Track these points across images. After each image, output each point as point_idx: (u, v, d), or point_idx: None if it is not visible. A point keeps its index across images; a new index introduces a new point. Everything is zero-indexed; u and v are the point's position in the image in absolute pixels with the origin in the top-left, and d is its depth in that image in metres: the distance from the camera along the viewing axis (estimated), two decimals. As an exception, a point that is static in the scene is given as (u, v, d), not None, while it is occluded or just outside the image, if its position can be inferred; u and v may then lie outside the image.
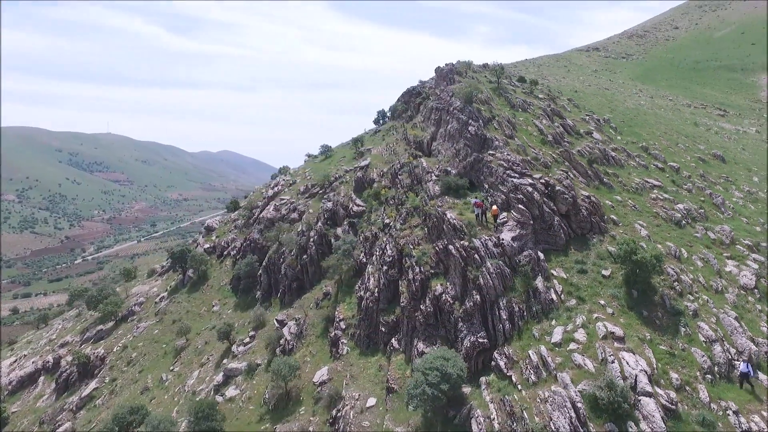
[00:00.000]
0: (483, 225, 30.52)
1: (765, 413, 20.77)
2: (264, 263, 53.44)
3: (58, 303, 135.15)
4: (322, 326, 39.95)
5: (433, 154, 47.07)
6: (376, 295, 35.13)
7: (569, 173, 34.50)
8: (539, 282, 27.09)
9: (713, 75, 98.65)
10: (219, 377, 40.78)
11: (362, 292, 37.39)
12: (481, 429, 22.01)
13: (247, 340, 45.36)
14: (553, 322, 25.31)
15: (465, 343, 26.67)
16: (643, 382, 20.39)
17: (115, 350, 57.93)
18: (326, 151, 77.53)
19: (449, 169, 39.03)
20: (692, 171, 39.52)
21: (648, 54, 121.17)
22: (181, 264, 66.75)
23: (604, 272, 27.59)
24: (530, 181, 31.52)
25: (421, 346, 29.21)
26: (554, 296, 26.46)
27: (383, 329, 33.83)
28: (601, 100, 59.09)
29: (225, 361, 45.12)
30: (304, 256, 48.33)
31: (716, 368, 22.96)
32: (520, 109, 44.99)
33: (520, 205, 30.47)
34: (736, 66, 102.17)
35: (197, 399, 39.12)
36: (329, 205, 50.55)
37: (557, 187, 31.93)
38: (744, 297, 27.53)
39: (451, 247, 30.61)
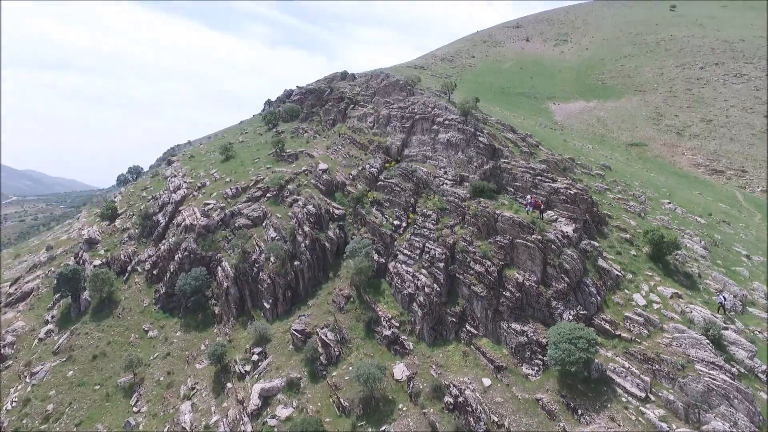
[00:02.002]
0: (542, 220, 37.17)
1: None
2: (231, 274, 48.52)
3: None
4: (362, 328, 40.36)
5: (410, 160, 51.16)
6: (438, 289, 38.14)
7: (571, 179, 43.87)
8: (602, 262, 35.32)
9: (518, 100, 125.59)
10: (255, 401, 36.99)
11: (410, 290, 39.68)
12: (623, 376, 28.84)
13: (255, 357, 41.63)
14: (626, 291, 33.86)
15: (565, 316, 32.98)
16: (728, 323, 30.45)
17: (9, 408, 43.95)
18: (226, 151, 71.84)
19: (465, 174, 44.29)
20: (612, 176, 54.05)
21: (462, 77, 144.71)
22: (71, 287, 53.77)
23: (632, 252, 37.56)
24: (564, 185, 39.58)
25: (515, 326, 34.23)
26: (616, 272, 35.04)
27: (453, 320, 37.29)
28: (498, 115, 71.91)
29: (230, 385, 40.54)
30: (296, 263, 46.42)
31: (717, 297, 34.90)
32: (481, 122, 52.78)
33: (566, 204, 38.21)
34: (529, 94, 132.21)
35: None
36: (311, 209, 49.39)
37: (571, 191, 40.80)
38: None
39: (519, 240, 36.38)
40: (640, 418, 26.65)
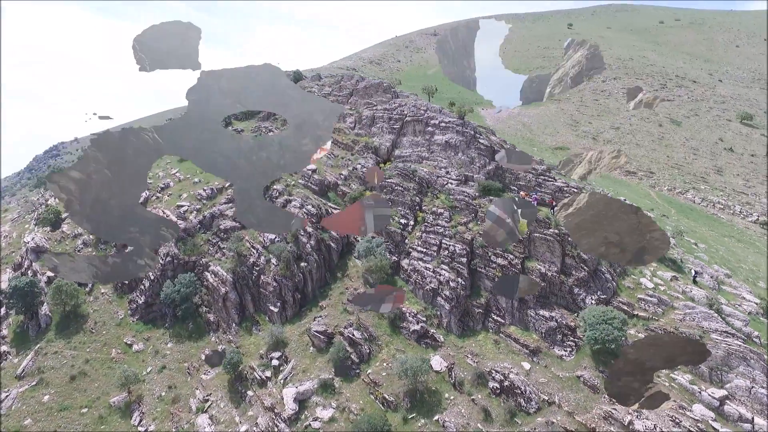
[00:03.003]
0: (554, 216, 40.82)
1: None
2: (230, 279, 46.13)
3: None
4: (387, 325, 40.92)
5: (403, 160, 52.66)
6: (462, 283, 40.09)
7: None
8: (608, 252, 39.77)
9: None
10: (291, 406, 35.94)
11: (433, 285, 41.15)
12: (649, 349, 33.14)
13: (276, 362, 40.27)
14: (633, 277, 38.58)
15: (588, 301, 36.79)
16: (719, 298, 36.14)
17: (-25, 445, 37.75)
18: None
19: (469, 174, 46.76)
20: (572, 175, 60.05)
21: (392, 79, 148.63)
22: (26, 302, 47.32)
23: (625, 242, 42.63)
24: (564, 182, 43.70)
25: (543, 312, 37.35)
26: (621, 260, 39.69)
27: (480, 311, 39.49)
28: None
29: (251, 393, 38.85)
30: (303, 264, 45.53)
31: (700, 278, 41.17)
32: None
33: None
34: (456, 99, 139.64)
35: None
36: (311, 209, 48.61)
37: (565, 189, 45.22)
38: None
39: (537, 234, 39.66)
40: (672, 384, 30.93)
